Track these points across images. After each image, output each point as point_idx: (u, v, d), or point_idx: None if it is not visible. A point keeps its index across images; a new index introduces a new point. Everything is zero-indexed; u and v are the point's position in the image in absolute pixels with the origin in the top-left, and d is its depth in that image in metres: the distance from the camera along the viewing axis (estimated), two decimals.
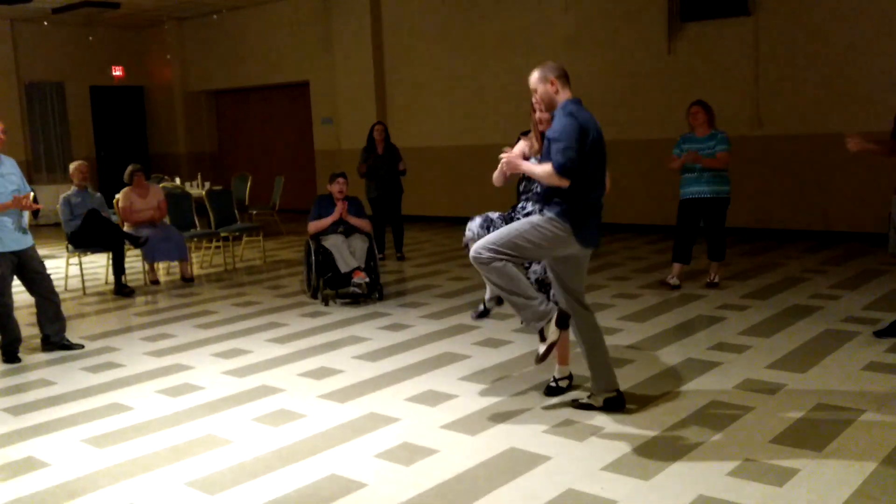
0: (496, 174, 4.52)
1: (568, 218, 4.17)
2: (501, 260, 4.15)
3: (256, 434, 4.35)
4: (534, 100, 4.48)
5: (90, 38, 16.04)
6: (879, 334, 5.56)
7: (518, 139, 9.22)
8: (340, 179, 7.57)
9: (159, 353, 6.03)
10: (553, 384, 4.77)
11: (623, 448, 3.94)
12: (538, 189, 4.48)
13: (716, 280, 7.40)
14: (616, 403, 4.44)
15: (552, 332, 4.19)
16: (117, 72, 16.79)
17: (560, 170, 4.06)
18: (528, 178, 4.70)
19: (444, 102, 13.01)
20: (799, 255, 8.82)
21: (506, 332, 6.16)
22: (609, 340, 5.68)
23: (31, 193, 5.95)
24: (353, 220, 7.50)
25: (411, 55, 13.31)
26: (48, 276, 6.12)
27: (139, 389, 5.21)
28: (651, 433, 4.10)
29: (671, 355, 5.40)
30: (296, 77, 14.98)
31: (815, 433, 4.02)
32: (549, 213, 4.20)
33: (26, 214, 5.93)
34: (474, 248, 4.24)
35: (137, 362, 5.82)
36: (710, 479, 3.57)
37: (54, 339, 6.18)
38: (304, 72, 14.79)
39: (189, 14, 15.83)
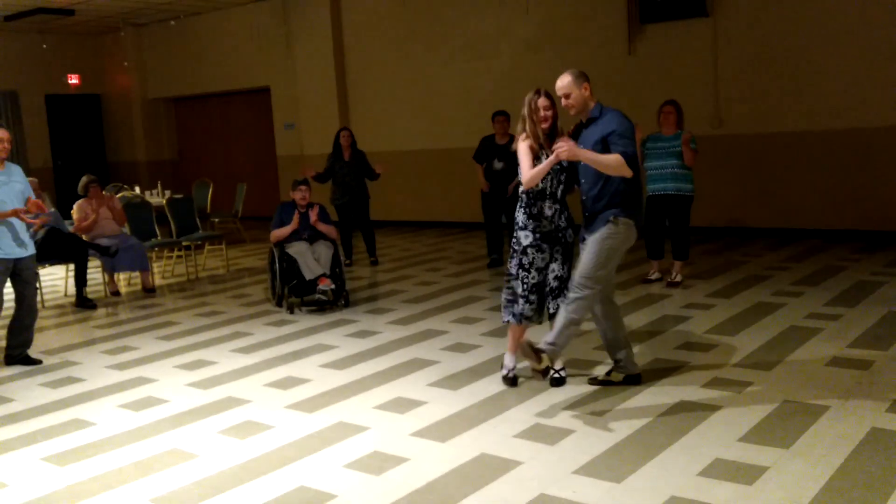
0: (535, 173, 4.61)
1: (629, 212, 4.60)
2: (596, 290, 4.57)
3: (222, 447, 4.27)
4: (544, 103, 4.72)
5: (44, 45, 15.70)
6: None
7: (480, 143, 9.23)
8: (303, 187, 7.49)
9: (121, 367, 5.90)
10: (509, 374, 5.02)
11: (594, 451, 3.93)
12: (587, 196, 4.68)
13: (678, 279, 7.47)
14: (636, 378, 4.85)
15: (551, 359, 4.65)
16: (73, 80, 16.47)
17: (628, 159, 4.45)
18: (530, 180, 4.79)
19: (407, 106, 12.97)
20: (761, 253, 8.93)
21: (474, 337, 6.14)
22: (576, 343, 5.70)
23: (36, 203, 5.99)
24: (322, 227, 7.43)
25: (373, 59, 13.25)
26: (36, 289, 6.17)
27: (101, 404, 5.09)
28: (621, 435, 4.10)
29: (638, 356, 5.40)
30: (256, 83, 14.84)
31: (782, 430, 4.05)
32: (613, 216, 4.55)
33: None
34: (576, 288, 4.53)
35: (99, 376, 5.69)
36: (681, 480, 3.57)
37: (14, 353, 6.04)
38: (264, 77, 14.66)
39: (146, 20, 15.61)
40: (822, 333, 5.66)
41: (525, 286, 4.82)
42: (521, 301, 4.85)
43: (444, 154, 12.62)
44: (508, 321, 4.96)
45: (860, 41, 9.27)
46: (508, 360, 5.04)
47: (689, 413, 4.35)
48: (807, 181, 9.81)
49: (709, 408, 4.39)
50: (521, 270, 4.84)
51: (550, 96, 4.75)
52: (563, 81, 4.64)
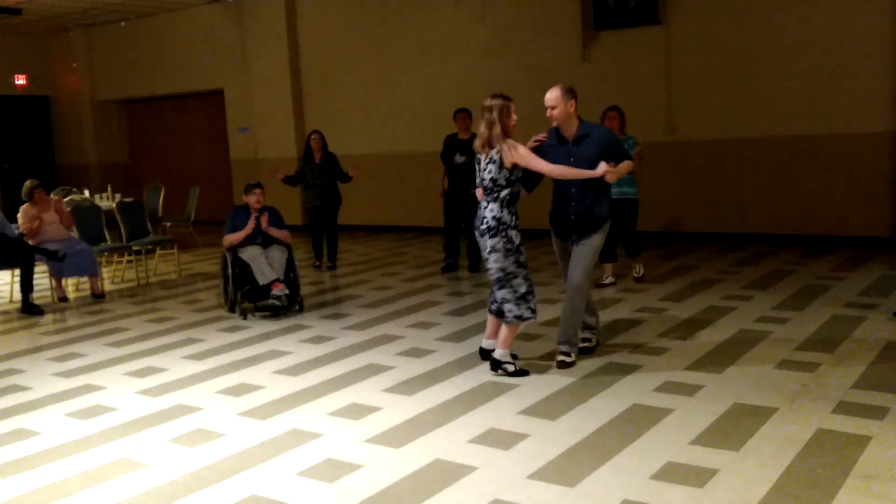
0: (568, 173, 5.08)
1: (610, 207, 5.22)
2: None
3: (173, 456, 4.19)
4: (515, 108, 5.09)
5: None
6: None
7: (444, 143, 9.25)
8: (257, 190, 7.40)
9: (68, 374, 5.77)
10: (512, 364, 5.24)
11: (548, 455, 3.94)
12: (579, 204, 5.13)
13: (641, 273, 7.86)
14: (586, 350, 5.51)
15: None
16: (21, 80, 16.10)
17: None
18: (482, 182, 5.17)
19: (363, 110, 12.92)
20: (711, 257, 9.07)
21: (429, 342, 6.12)
22: (531, 347, 5.73)
23: None
24: (274, 232, 7.35)
25: (329, 63, 13.18)
26: None
27: (47, 413, 4.96)
28: (575, 439, 4.12)
29: (592, 359, 5.45)
30: (210, 85, 14.65)
31: (732, 432, 4.11)
32: (606, 221, 5.17)
33: None
34: (575, 283, 5.14)
35: (45, 384, 5.55)
36: (633, 483, 3.60)
37: None
38: (218, 80, 14.48)
39: (96, 21, 15.31)
40: (771, 337, 5.77)
41: (528, 283, 5.14)
42: (530, 298, 5.13)
43: (400, 158, 12.59)
44: (519, 318, 5.13)
45: (808, 51, 9.47)
46: (504, 356, 5.23)
47: (641, 416, 4.38)
48: (755, 186, 10.00)
49: (661, 411, 4.44)
50: (521, 268, 5.11)
51: None
52: (553, 94, 5.03)
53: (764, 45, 9.72)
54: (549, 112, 5.06)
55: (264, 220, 7.30)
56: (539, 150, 5.10)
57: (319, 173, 9.41)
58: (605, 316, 6.61)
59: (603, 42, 10.69)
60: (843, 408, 4.35)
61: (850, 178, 9.46)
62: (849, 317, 6.17)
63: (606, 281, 7.76)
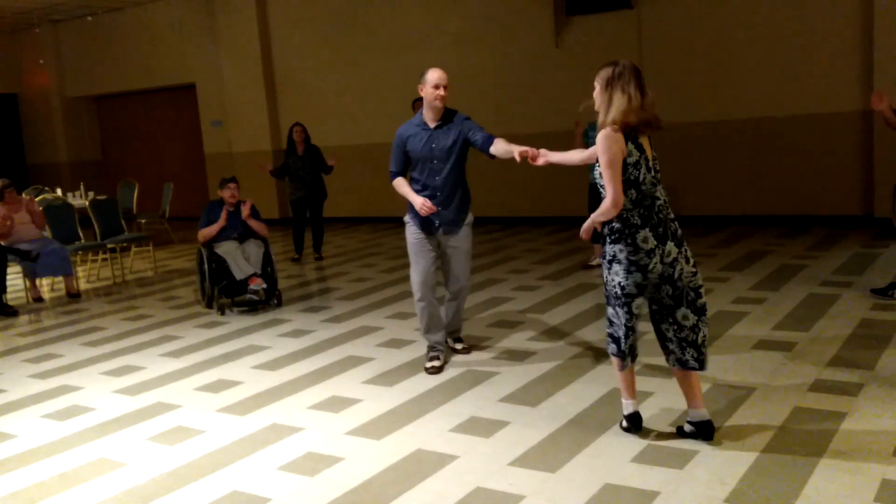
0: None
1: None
2: None
3: (152, 454, 4.16)
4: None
5: None
6: (875, 292, 6.11)
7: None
8: (232, 185, 7.34)
9: (44, 375, 5.70)
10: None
11: (529, 442, 3.95)
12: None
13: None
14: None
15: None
16: None
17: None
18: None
19: (337, 101, 12.85)
20: (688, 240, 9.07)
21: (409, 332, 6.11)
22: (510, 333, 5.73)
23: None
24: (254, 224, 7.30)
25: (301, 53, 13.08)
26: None
27: (23, 415, 4.90)
28: (555, 425, 4.13)
29: (571, 344, 5.47)
30: (181, 79, 14.50)
31: (711, 413, 4.12)
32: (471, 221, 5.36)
33: None
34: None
35: (20, 386, 5.48)
36: (614, 467, 3.62)
37: None
38: (189, 73, 14.33)
39: (62, 16, 15.09)
40: (748, 317, 5.81)
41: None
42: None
43: (375, 149, 12.52)
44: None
45: (779, 32, 9.53)
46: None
47: (621, 400, 4.39)
48: (729, 169, 10.06)
49: (641, 394, 4.44)
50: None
51: None
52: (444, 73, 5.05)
53: (735, 28, 9.76)
54: (443, 91, 4.98)
55: (246, 208, 7.25)
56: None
57: (303, 165, 9.40)
58: (584, 301, 6.63)
59: (575, 27, 10.69)
60: (819, 385, 4.40)
61: (823, 157, 9.54)
62: (824, 295, 6.23)
63: (594, 262, 7.86)
